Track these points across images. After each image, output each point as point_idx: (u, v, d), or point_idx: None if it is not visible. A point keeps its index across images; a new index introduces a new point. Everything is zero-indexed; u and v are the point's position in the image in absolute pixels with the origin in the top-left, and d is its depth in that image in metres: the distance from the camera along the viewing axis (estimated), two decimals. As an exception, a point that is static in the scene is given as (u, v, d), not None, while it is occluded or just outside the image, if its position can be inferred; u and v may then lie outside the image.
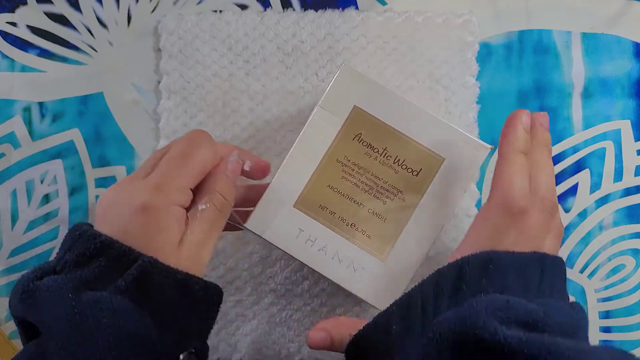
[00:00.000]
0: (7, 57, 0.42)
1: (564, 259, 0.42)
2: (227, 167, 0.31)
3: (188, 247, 0.29)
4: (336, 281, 0.33)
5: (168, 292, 0.28)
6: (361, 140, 0.33)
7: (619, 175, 0.42)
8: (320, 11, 0.41)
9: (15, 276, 0.42)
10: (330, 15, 0.41)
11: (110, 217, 0.29)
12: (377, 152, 0.33)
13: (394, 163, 0.33)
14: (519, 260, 0.28)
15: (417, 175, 0.33)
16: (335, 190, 0.33)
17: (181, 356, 0.28)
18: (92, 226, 0.29)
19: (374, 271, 0.33)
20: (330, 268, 0.33)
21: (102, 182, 0.42)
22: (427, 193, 0.33)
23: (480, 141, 0.34)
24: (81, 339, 0.25)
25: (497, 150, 0.42)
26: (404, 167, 0.33)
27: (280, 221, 0.33)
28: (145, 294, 0.27)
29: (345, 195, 0.33)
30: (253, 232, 0.33)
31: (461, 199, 0.33)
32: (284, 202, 0.33)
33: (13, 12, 0.42)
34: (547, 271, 0.28)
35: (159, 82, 0.41)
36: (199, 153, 0.31)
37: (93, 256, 0.27)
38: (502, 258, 0.28)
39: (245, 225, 0.33)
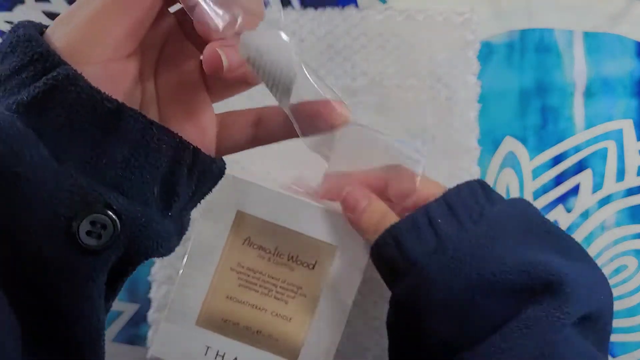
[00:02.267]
0: (5, 56, 0.42)
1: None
2: None
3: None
4: None
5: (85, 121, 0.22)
6: (251, 243, 0.32)
7: (621, 175, 0.42)
8: (320, 9, 0.41)
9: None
10: (330, 14, 0.41)
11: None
12: (270, 252, 0.32)
13: (288, 260, 0.32)
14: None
15: (313, 268, 0.32)
16: (235, 300, 0.32)
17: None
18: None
19: None
20: None
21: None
22: (327, 284, 0.32)
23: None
24: None
25: (497, 151, 0.42)
26: (298, 262, 0.32)
27: (185, 342, 0.32)
28: (48, 119, 0.22)
29: (245, 303, 0.32)
30: (158, 358, 0.32)
31: (360, 278, 0.33)
32: (185, 322, 0.32)
33: (11, 10, 0.42)
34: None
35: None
36: None
37: (10, 51, 0.23)
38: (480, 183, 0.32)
39: (149, 352, 0.32)
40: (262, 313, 0.32)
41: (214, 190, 0.29)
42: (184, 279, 0.32)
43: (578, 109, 0.42)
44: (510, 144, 0.42)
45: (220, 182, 0.29)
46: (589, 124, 0.42)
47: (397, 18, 0.41)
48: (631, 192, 0.42)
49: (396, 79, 0.41)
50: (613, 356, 0.42)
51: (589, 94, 0.42)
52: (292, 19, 0.41)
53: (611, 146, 0.42)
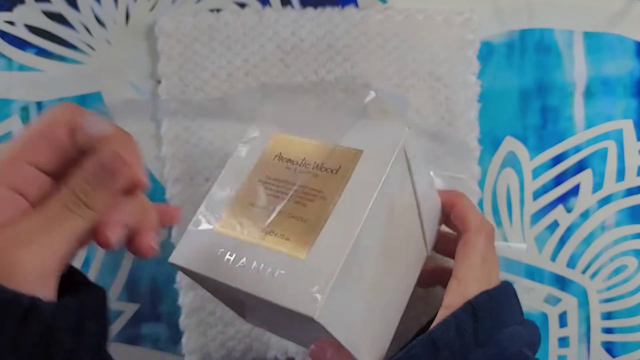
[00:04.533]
0: (4, 56, 0.42)
1: (566, 260, 0.42)
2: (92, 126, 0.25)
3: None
4: (258, 294, 0.30)
5: None
6: (281, 158, 0.33)
7: (621, 175, 0.42)
8: (319, 9, 0.41)
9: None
10: (330, 13, 0.41)
11: None
12: (297, 163, 0.33)
13: (313, 169, 0.33)
14: (504, 291, 0.33)
15: (336, 172, 0.32)
16: (257, 206, 0.32)
17: None
18: None
19: (295, 272, 0.30)
20: (252, 282, 0.30)
21: (101, 182, 0.42)
22: (348, 186, 0.32)
23: (396, 123, 0.33)
24: None
25: (497, 151, 0.42)
26: (322, 169, 0.33)
27: (202, 246, 0.32)
28: None
29: (264, 207, 0.32)
30: (177, 266, 0.31)
31: (380, 179, 0.31)
32: (208, 228, 0.32)
33: (11, 10, 0.42)
34: (515, 296, 0.35)
35: (158, 81, 0.41)
36: (45, 117, 0.24)
37: None
38: (496, 294, 0.32)
39: (170, 260, 0.31)
40: (279, 215, 0.32)
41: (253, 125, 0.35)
42: (215, 190, 0.33)
43: (578, 109, 0.42)
44: (510, 144, 0.42)
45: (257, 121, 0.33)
46: (589, 124, 0.42)
47: (397, 18, 0.41)
48: (631, 192, 0.42)
49: (396, 79, 0.41)
50: (613, 356, 0.42)
51: (589, 94, 0.42)
52: (292, 18, 0.41)
53: (611, 146, 0.42)
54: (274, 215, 0.32)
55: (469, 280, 0.32)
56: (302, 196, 0.32)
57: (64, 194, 0.24)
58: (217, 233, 0.32)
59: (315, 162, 0.33)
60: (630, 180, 0.42)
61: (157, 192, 0.41)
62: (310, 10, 0.41)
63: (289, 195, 0.32)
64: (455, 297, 0.32)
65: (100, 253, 0.42)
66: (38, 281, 0.23)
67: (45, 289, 0.23)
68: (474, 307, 0.31)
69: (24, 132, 0.25)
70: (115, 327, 0.42)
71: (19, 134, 0.25)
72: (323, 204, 0.31)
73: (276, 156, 0.33)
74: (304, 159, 0.33)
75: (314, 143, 0.33)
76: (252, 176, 0.33)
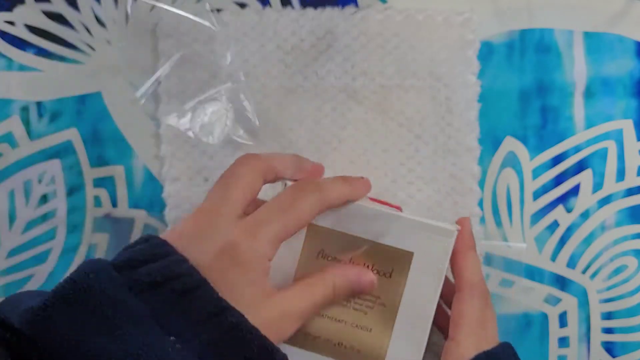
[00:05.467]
0: (4, 56, 0.42)
1: (566, 260, 0.42)
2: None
3: (273, 311, 0.27)
4: None
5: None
6: (325, 255, 0.31)
7: (621, 175, 0.42)
8: (319, 9, 0.41)
9: (13, 277, 0.42)
10: (330, 13, 0.41)
11: (189, 249, 0.26)
12: (345, 263, 0.31)
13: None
14: (503, 352, 0.32)
15: (390, 276, 0.31)
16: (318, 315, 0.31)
17: None
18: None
19: None
20: None
21: (100, 182, 0.42)
22: (405, 291, 0.31)
23: (444, 225, 0.32)
24: None
25: (497, 151, 0.42)
26: (374, 271, 0.31)
27: None
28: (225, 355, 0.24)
29: (323, 315, 0.31)
30: None
31: (439, 288, 0.32)
32: None
33: (11, 10, 0.42)
34: (515, 355, 0.34)
35: (158, 81, 0.41)
36: (304, 203, 0.29)
37: (179, 291, 0.25)
38: (495, 356, 0.32)
39: None
40: (341, 325, 0.31)
41: None
42: None
43: (578, 109, 0.42)
44: (510, 144, 0.42)
45: None
46: (589, 124, 0.42)
47: (397, 18, 0.41)
48: (631, 192, 0.42)
49: (396, 79, 0.41)
50: (613, 356, 0.42)
51: (589, 94, 0.42)
52: (292, 18, 0.41)
53: (611, 146, 0.42)
54: (338, 325, 0.31)
55: (467, 342, 0.31)
56: (360, 303, 0.31)
57: (328, 288, 0.30)
58: (286, 346, 0.31)
59: (365, 263, 0.31)
60: (630, 180, 0.42)
61: (155, 191, 0.41)
62: (310, 11, 0.41)
63: (347, 302, 0.31)
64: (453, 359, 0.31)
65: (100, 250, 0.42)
66: None
67: None
68: None
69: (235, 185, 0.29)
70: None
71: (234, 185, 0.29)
72: (384, 311, 0.31)
73: (319, 253, 0.31)
74: (350, 259, 0.31)
75: (355, 239, 0.31)
76: (298, 278, 0.31)
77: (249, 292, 0.26)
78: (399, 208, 0.34)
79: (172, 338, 0.24)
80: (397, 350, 0.31)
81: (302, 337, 0.31)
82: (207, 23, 0.41)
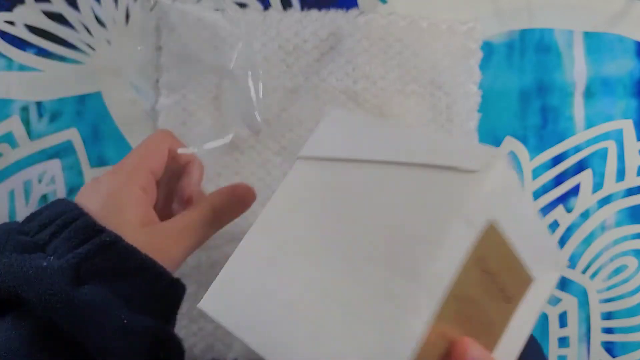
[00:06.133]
0: (4, 56, 0.42)
1: (566, 260, 0.42)
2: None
3: (154, 233, 0.28)
4: None
5: (132, 274, 0.27)
6: (486, 270, 0.23)
7: (621, 175, 0.42)
8: (323, 10, 0.41)
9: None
10: (333, 15, 0.41)
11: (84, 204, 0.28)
12: (493, 281, 0.24)
13: (498, 292, 0.25)
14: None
15: (509, 302, 0.26)
16: (447, 335, 0.23)
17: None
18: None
19: None
20: None
21: (101, 182, 0.42)
22: (515, 314, 0.26)
23: (558, 262, 0.28)
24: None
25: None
26: (501, 293, 0.25)
27: None
28: (112, 275, 0.26)
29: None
30: None
31: (540, 311, 0.29)
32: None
33: (11, 10, 0.42)
34: None
35: (158, 81, 0.41)
36: (153, 139, 0.32)
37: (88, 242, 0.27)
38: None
39: None
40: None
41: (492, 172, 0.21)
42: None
43: (578, 109, 0.42)
44: (510, 144, 0.42)
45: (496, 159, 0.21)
46: (589, 124, 0.42)
47: (401, 23, 0.41)
48: (631, 192, 0.42)
49: (397, 84, 0.41)
50: (613, 356, 0.42)
51: (589, 94, 0.42)
52: (295, 19, 0.41)
53: (611, 146, 0.42)
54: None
55: None
56: (476, 327, 0.24)
57: (205, 208, 0.31)
58: None
59: (501, 283, 0.24)
60: (630, 180, 0.42)
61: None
62: (314, 12, 0.41)
63: (472, 326, 0.24)
64: None
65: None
66: (177, 267, 0.30)
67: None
68: None
69: (139, 147, 0.31)
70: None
71: (136, 149, 0.31)
72: (490, 336, 0.26)
73: (481, 264, 0.22)
74: (503, 284, 0.24)
75: (518, 265, 0.25)
76: (452, 290, 0.21)
77: (120, 218, 0.28)
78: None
79: (50, 257, 0.26)
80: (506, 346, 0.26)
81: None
82: (211, 19, 0.41)
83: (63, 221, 0.27)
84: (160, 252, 0.28)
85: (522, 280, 0.26)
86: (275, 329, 0.23)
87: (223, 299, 0.25)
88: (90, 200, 0.28)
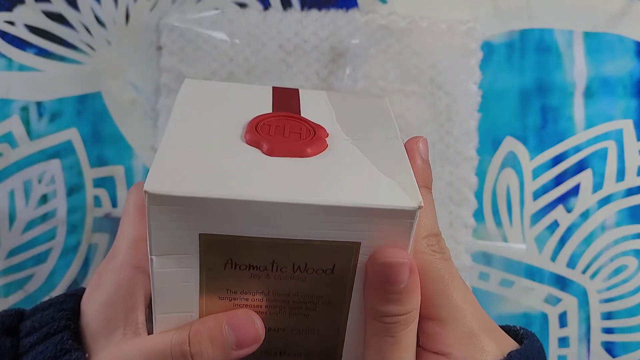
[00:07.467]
0: (4, 56, 0.42)
1: (566, 260, 0.42)
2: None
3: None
4: None
5: None
6: (235, 265, 0.25)
7: (621, 175, 0.42)
8: (323, 10, 0.41)
9: (13, 277, 0.42)
10: (333, 15, 0.41)
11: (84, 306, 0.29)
12: (265, 269, 0.25)
13: (294, 272, 0.25)
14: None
15: (332, 272, 0.25)
16: None
17: None
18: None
19: None
20: None
21: (100, 182, 0.42)
22: (355, 285, 0.26)
23: (402, 206, 0.24)
24: None
25: (497, 151, 0.42)
26: (309, 271, 0.25)
27: None
28: None
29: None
30: None
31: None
32: None
33: (11, 10, 0.42)
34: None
35: (158, 81, 0.41)
36: (135, 202, 0.30)
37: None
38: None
39: None
40: (279, 334, 0.27)
41: (159, 221, 0.23)
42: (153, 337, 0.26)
43: (578, 109, 0.42)
44: (510, 144, 0.42)
45: (161, 209, 0.23)
46: (589, 124, 0.42)
47: (401, 23, 0.41)
48: (631, 192, 0.42)
49: (397, 84, 0.41)
50: (613, 356, 0.42)
51: (589, 94, 0.42)
52: (295, 19, 0.41)
53: (611, 146, 0.42)
54: (277, 334, 0.27)
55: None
56: (297, 306, 0.26)
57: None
58: None
59: (293, 265, 0.25)
60: (630, 180, 0.42)
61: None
62: (314, 12, 0.41)
63: (281, 308, 0.26)
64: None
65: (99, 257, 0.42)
66: None
67: None
68: None
69: (133, 215, 0.29)
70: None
71: (129, 215, 0.30)
72: (330, 310, 0.26)
73: (226, 263, 0.25)
74: (272, 262, 0.25)
75: (277, 242, 0.24)
76: (206, 299, 0.25)
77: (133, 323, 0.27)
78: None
79: None
80: (352, 348, 0.27)
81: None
82: (211, 19, 0.41)
83: (47, 330, 0.27)
84: None
85: (328, 252, 0.25)
86: (238, 178, 0.24)
87: (170, 176, 0.23)
88: (90, 301, 0.28)
